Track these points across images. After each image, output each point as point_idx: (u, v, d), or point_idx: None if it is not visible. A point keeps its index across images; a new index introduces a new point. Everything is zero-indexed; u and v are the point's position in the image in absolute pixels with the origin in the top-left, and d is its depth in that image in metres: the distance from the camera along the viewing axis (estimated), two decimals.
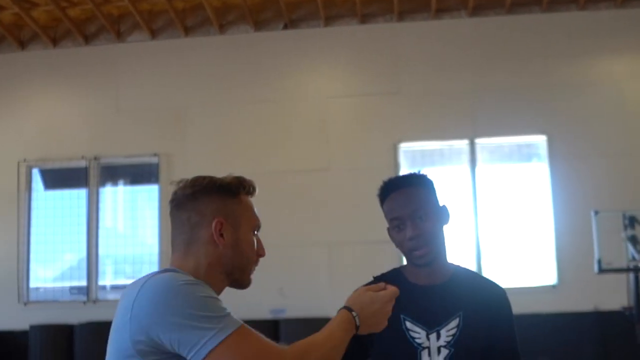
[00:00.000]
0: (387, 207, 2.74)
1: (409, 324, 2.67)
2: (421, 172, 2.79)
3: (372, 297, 2.26)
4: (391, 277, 2.72)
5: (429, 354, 2.64)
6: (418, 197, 2.71)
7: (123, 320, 2.03)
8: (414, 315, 2.63)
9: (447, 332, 2.64)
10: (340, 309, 2.24)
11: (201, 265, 2.21)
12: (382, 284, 2.34)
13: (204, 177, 2.29)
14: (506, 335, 2.73)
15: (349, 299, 2.27)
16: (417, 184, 2.74)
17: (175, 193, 2.29)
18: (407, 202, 2.69)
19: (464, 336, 2.64)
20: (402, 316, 2.57)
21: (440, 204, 2.78)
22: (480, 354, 2.65)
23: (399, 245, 2.73)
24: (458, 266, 2.82)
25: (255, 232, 2.33)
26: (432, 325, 2.66)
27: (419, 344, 2.65)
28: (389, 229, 2.76)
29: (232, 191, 2.28)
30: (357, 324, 2.20)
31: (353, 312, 2.21)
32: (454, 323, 2.65)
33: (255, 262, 2.32)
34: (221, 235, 2.23)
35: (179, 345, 1.95)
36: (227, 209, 2.26)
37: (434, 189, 2.77)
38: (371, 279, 2.71)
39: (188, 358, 1.95)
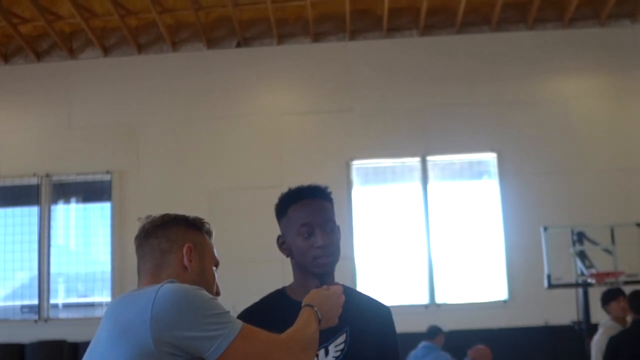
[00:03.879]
0: (295, 213, 2.71)
1: None
2: (327, 189, 2.79)
3: (326, 294, 2.47)
4: (274, 297, 2.76)
5: None
6: (329, 210, 2.73)
7: (134, 322, 2.09)
8: None
9: (335, 347, 2.65)
10: (303, 306, 2.40)
11: None
12: (325, 286, 2.53)
13: (170, 213, 2.46)
14: (392, 350, 2.76)
15: (307, 299, 2.44)
16: (327, 198, 2.76)
17: (143, 226, 2.42)
18: (320, 211, 2.70)
19: (352, 351, 2.65)
20: None
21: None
22: None
23: (301, 253, 2.70)
24: (343, 285, 2.78)
25: (215, 269, 2.49)
26: (320, 341, 2.57)
27: None
28: (286, 237, 2.75)
29: (198, 227, 2.46)
30: (320, 317, 2.39)
31: (315, 308, 2.40)
32: (341, 338, 2.66)
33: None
34: (190, 260, 2.36)
35: (201, 341, 2.09)
36: (195, 239, 2.42)
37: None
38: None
39: (208, 354, 2.10)
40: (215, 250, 2.51)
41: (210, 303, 2.15)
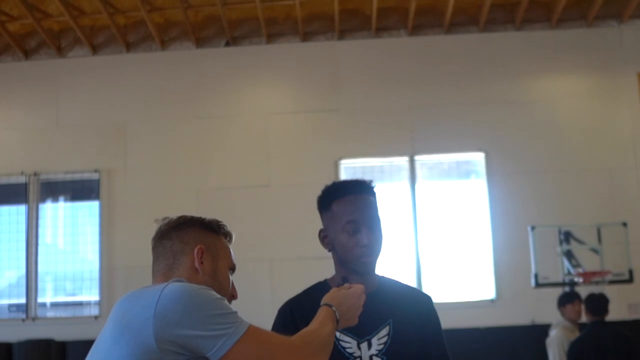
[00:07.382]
0: (340, 208, 2.67)
1: (338, 334, 2.62)
2: (372, 183, 2.76)
3: (345, 294, 2.45)
4: (317, 288, 2.74)
5: None
6: (375, 206, 2.71)
7: (138, 320, 2.10)
8: None
9: (378, 340, 2.64)
10: (321, 306, 2.39)
11: None
12: (347, 285, 2.50)
13: (187, 215, 2.46)
14: (437, 341, 2.77)
15: (325, 298, 2.44)
16: (372, 193, 2.73)
17: (159, 228, 2.43)
18: (367, 208, 2.67)
19: (395, 344, 2.64)
20: None
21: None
22: None
23: (345, 249, 2.67)
24: (383, 276, 2.82)
25: (231, 273, 2.47)
26: (362, 334, 2.63)
27: (350, 354, 2.63)
28: (328, 231, 2.72)
29: (215, 229, 2.46)
30: (338, 318, 2.37)
31: (333, 307, 2.38)
32: (384, 331, 2.65)
33: (229, 302, 2.40)
34: (201, 262, 2.36)
35: (204, 340, 2.07)
36: (209, 241, 2.41)
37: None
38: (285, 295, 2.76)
39: (210, 353, 2.08)
40: (232, 253, 2.49)
41: (216, 302, 2.14)
